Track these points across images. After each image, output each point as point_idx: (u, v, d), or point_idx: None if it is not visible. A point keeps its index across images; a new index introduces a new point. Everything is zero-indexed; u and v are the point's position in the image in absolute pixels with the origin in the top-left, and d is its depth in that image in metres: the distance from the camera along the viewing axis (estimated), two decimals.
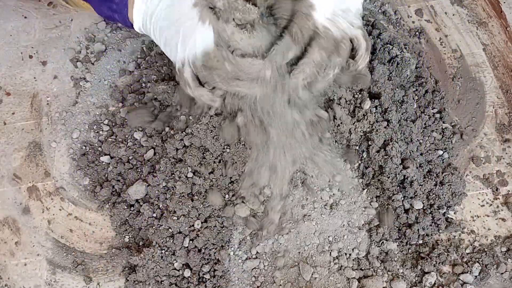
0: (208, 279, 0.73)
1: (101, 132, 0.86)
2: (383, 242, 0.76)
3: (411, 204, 0.77)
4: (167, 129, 0.80)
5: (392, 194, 0.77)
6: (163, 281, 0.74)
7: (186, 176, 0.76)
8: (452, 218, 0.79)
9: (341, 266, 0.75)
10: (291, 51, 0.70)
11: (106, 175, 0.83)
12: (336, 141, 0.79)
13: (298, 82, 0.71)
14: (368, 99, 0.79)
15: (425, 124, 0.83)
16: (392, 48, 0.83)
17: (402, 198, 0.77)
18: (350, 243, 0.76)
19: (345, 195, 0.78)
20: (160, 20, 0.71)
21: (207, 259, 0.75)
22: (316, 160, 0.78)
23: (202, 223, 0.75)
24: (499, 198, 0.83)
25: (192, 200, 0.75)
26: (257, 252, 0.76)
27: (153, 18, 0.72)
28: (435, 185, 0.79)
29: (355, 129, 0.78)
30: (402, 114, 0.81)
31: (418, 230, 0.76)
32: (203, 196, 0.76)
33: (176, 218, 0.75)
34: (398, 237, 0.77)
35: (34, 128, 0.89)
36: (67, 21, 0.97)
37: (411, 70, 0.84)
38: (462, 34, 0.96)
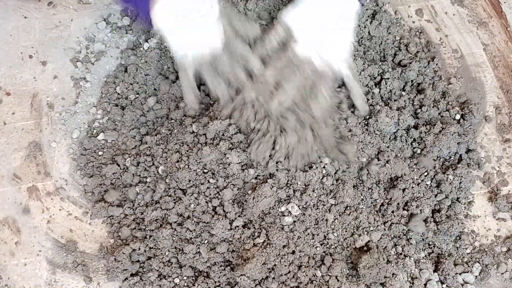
0: None
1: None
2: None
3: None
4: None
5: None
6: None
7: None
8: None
9: None
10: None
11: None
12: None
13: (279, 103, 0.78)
14: None
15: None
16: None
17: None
18: None
19: None
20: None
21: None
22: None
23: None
24: (499, 198, 0.83)
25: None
26: None
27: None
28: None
29: None
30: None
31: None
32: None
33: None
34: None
35: (34, 128, 0.89)
36: (67, 21, 0.97)
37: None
38: (462, 34, 0.96)
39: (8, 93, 0.91)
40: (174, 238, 0.77)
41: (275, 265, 0.73)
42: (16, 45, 0.95)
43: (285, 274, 0.74)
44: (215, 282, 0.75)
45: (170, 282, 0.75)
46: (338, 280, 0.73)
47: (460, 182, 0.81)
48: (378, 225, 0.77)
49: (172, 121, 0.84)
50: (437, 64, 0.91)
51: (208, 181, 0.78)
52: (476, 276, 0.76)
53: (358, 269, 0.73)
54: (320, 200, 0.76)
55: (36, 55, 0.94)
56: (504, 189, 0.84)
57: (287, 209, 0.75)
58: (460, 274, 0.76)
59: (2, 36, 0.96)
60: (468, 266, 0.77)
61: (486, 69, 0.93)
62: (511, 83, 0.91)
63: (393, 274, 0.74)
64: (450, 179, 0.80)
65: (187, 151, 0.79)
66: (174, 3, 0.76)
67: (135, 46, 0.93)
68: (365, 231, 0.77)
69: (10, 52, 0.94)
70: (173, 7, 0.76)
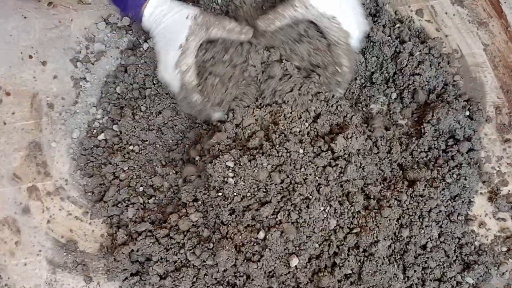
0: None
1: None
2: None
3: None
4: None
5: None
6: None
7: None
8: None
9: None
10: None
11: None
12: None
13: None
14: None
15: None
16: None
17: None
18: None
19: None
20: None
21: None
22: None
23: None
24: (499, 198, 0.83)
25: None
26: None
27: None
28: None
29: None
30: None
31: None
32: None
33: None
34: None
35: (34, 128, 0.89)
36: (67, 21, 0.97)
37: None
38: (462, 34, 0.96)
39: (8, 93, 0.91)
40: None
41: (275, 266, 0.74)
42: (16, 45, 0.95)
43: (285, 274, 0.74)
44: None
45: (170, 282, 0.75)
46: (339, 282, 0.73)
47: (465, 180, 0.80)
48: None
49: None
50: (440, 63, 0.91)
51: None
52: (477, 276, 0.76)
53: (361, 275, 0.73)
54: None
55: (36, 55, 0.94)
56: (504, 189, 0.84)
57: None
58: (460, 273, 0.76)
59: (2, 36, 0.95)
60: (469, 265, 0.77)
61: (486, 69, 0.93)
62: (511, 83, 0.91)
63: (394, 274, 0.74)
64: (454, 178, 0.80)
65: None
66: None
67: (134, 46, 0.93)
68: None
69: (10, 52, 0.94)
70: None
